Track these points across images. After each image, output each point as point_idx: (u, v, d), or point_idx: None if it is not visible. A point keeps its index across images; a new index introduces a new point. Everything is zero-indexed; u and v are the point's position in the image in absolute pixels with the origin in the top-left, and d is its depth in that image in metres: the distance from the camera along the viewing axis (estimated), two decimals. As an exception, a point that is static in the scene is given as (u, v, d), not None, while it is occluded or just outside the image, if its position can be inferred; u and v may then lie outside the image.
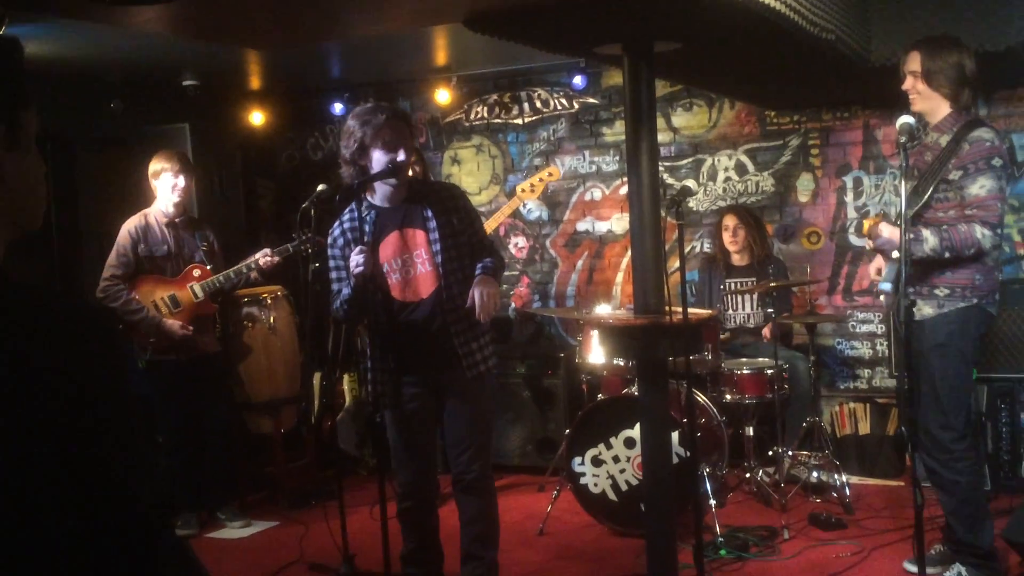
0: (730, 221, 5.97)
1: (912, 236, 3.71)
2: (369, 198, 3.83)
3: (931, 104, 3.89)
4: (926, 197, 3.84)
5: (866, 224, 3.96)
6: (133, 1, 2.98)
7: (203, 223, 5.50)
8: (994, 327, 4.12)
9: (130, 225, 5.18)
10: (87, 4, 2.89)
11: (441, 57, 6.51)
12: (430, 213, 3.76)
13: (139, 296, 5.13)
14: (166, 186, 5.18)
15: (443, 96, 6.97)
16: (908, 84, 3.93)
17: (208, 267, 5.27)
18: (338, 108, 7.27)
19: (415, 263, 3.78)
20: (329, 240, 3.89)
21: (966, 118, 3.87)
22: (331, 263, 3.88)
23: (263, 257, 5.26)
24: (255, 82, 7.07)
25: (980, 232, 3.70)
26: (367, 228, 3.77)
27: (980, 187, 3.73)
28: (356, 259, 3.62)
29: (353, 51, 6.25)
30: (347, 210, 3.85)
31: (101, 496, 1.15)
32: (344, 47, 6.11)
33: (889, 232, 3.85)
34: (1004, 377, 5.28)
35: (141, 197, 5.36)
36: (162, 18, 3.43)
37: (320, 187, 4.36)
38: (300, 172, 7.63)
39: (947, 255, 3.75)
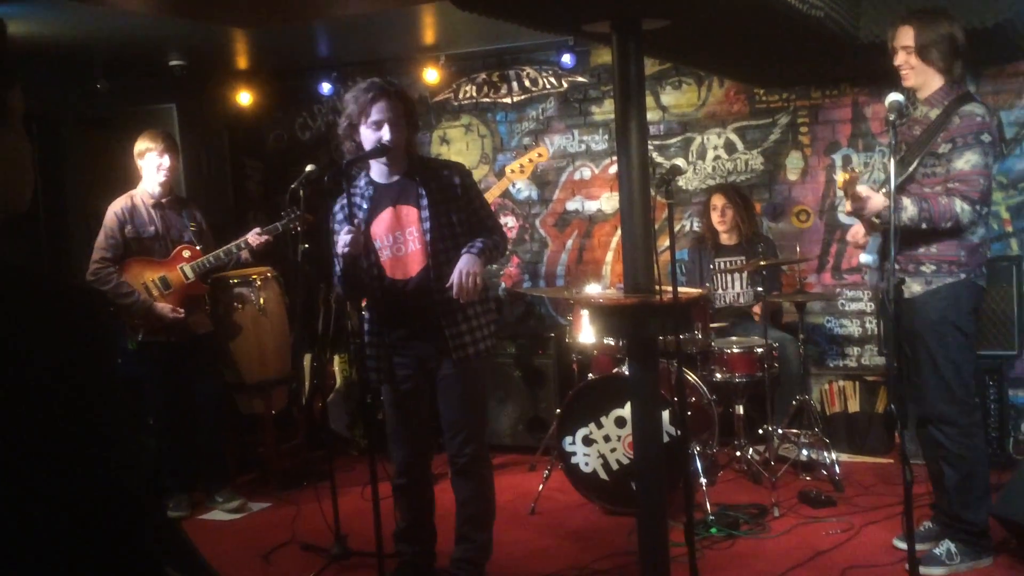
0: (718, 201, 5.97)
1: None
2: (369, 173, 3.83)
3: (924, 78, 3.88)
4: (911, 169, 3.83)
5: (841, 177, 3.92)
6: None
7: (191, 203, 5.47)
8: (984, 301, 4.11)
9: (116, 207, 5.15)
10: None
11: (429, 36, 6.47)
12: (423, 191, 3.75)
13: (129, 278, 5.11)
14: (151, 166, 5.15)
15: (431, 75, 6.94)
16: (900, 59, 3.91)
17: (198, 247, 5.25)
18: (326, 88, 7.24)
19: (407, 240, 3.76)
20: (332, 215, 3.90)
21: (957, 92, 3.85)
22: (335, 238, 3.89)
23: (253, 236, 5.23)
24: (242, 62, 7.02)
25: (960, 206, 3.70)
26: (364, 204, 3.79)
27: (966, 161, 3.72)
28: (343, 239, 3.63)
29: (341, 30, 6.21)
30: (353, 185, 3.86)
31: (88, 478, 1.14)
32: (332, 26, 6.07)
33: (867, 193, 3.84)
34: (991, 354, 5.30)
35: (128, 177, 5.33)
36: (147, -3, 3.40)
37: (308, 167, 4.33)
38: (288, 152, 7.60)
39: (924, 225, 3.73)
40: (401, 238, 3.77)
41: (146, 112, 6.25)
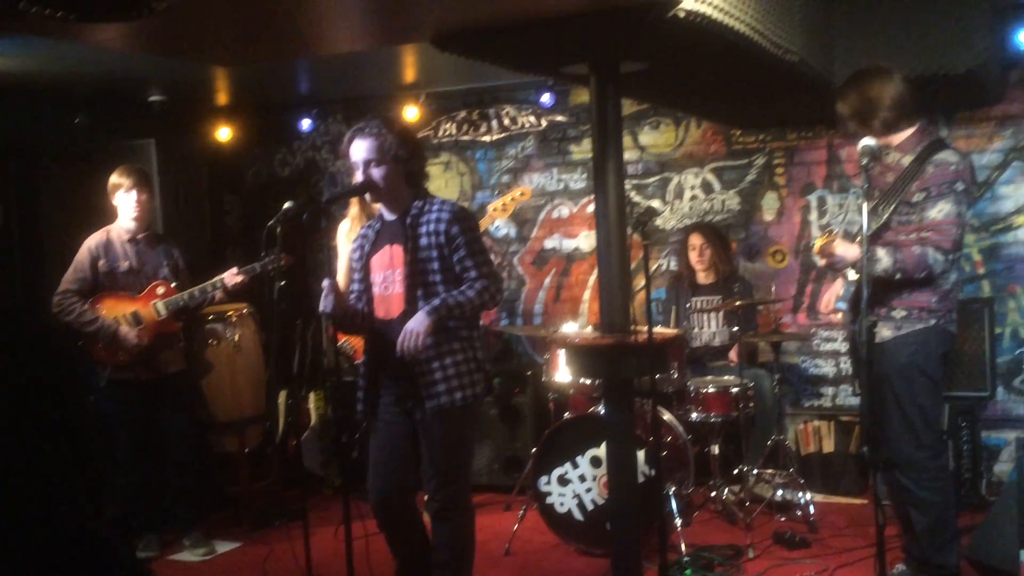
0: (696, 240, 6.00)
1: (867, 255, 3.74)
2: (380, 210, 3.89)
3: (881, 137, 3.89)
4: (885, 217, 3.86)
5: (818, 243, 3.97)
6: (95, 18, 2.96)
7: (168, 240, 5.44)
8: (955, 346, 4.13)
9: (91, 242, 5.13)
10: (48, 21, 2.86)
11: (409, 74, 6.51)
12: (410, 233, 3.75)
13: (102, 312, 5.08)
14: (121, 202, 5.15)
15: (411, 113, 6.97)
16: (850, 128, 3.99)
17: (172, 284, 5.21)
18: (306, 124, 7.27)
19: (395, 281, 3.77)
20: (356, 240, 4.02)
21: (929, 138, 3.89)
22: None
23: (229, 276, 5.19)
24: (222, 98, 7.04)
25: (932, 256, 3.72)
26: (372, 236, 3.86)
27: (939, 211, 3.75)
28: (323, 296, 3.63)
29: (321, 68, 6.24)
30: (372, 219, 3.96)
31: (54, 517, 1.13)
32: (312, 64, 6.10)
33: (843, 250, 3.88)
34: (964, 395, 5.34)
35: (105, 213, 5.30)
36: (125, 35, 3.40)
37: (286, 204, 4.31)
38: (267, 188, 7.60)
39: (898, 276, 3.76)
40: (391, 278, 3.78)
41: (125, 147, 6.24)
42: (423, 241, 3.71)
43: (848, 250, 3.86)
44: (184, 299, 5.16)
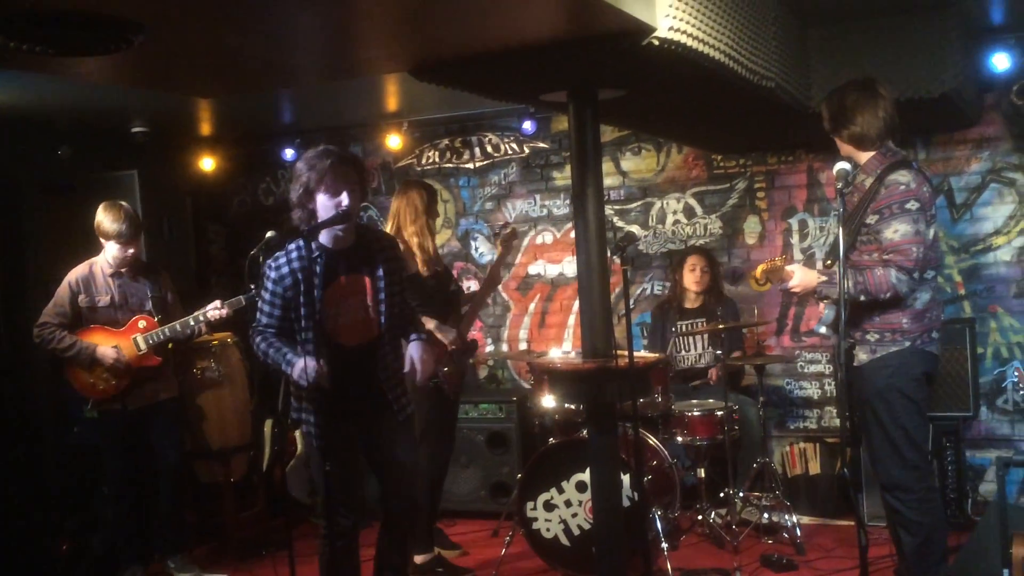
0: (698, 261, 6.04)
1: (827, 279, 3.78)
2: (319, 239, 3.77)
3: (845, 150, 3.97)
4: (851, 239, 3.87)
5: (759, 269, 4.01)
6: (74, 53, 2.97)
7: (155, 269, 5.36)
8: (938, 367, 4.11)
9: (72, 276, 5.06)
10: (28, 55, 2.88)
11: (392, 103, 6.55)
12: (378, 261, 3.80)
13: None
14: (110, 248, 5.04)
15: (394, 141, 7.01)
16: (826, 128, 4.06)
17: (155, 318, 5.14)
18: (289, 153, 7.28)
19: (356, 308, 3.79)
20: (273, 273, 3.74)
21: (891, 159, 3.90)
22: (266, 295, 3.77)
23: (213, 310, 5.13)
24: (205, 128, 7.06)
25: (895, 276, 3.72)
26: (317, 268, 3.69)
27: (894, 231, 3.75)
28: (310, 372, 3.59)
29: (304, 97, 6.27)
30: (294, 246, 3.74)
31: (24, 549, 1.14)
32: (295, 93, 6.12)
33: (802, 275, 3.91)
34: (948, 416, 5.36)
35: (89, 244, 5.26)
36: (105, 68, 3.42)
37: (269, 233, 4.32)
38: (252, 217, 7.61)
39: (862, 298, 3.76)
40: (353, 305, 3.78)
41: (108, 179, 6.24)
42: (386, 267, 3.84)
43: (806, 275, 3.89)
44: (165, 333, 5.10)
